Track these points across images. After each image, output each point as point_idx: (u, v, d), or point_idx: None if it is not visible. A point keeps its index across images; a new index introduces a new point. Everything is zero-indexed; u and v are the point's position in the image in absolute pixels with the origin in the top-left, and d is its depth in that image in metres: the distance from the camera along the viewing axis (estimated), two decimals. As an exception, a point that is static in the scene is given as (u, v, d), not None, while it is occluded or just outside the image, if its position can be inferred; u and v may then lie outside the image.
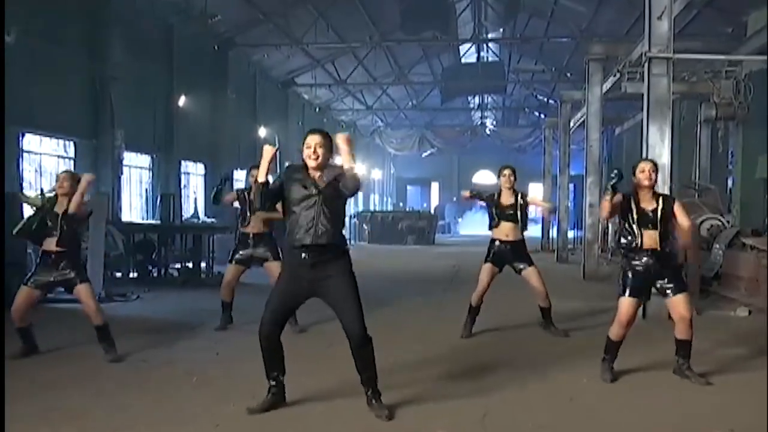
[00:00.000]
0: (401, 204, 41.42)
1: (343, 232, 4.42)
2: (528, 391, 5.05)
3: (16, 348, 5.93)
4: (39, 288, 5.89)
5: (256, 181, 4.41)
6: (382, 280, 12.24)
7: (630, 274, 5.18)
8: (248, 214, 7.27)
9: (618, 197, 5.24)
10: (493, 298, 7.35)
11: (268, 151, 4.44)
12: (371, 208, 36.85)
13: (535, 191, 25.38)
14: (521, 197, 7.00)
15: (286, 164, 4.67)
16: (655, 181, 5.28)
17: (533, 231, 26.22)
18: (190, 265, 12.28)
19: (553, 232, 20.52)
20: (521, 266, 6.99)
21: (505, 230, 6.94)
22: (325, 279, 4.32)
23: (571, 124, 18.50)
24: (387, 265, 15.75)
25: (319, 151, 4.33)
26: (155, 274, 12.11)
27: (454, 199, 38.89)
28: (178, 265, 12.50)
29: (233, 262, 7.36)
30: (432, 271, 14.44)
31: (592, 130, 13.56)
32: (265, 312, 4.41)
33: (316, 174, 4.36)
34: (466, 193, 7.33)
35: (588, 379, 5.38)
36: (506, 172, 7.01)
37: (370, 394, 4.44)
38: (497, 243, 6.99)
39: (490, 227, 7.08)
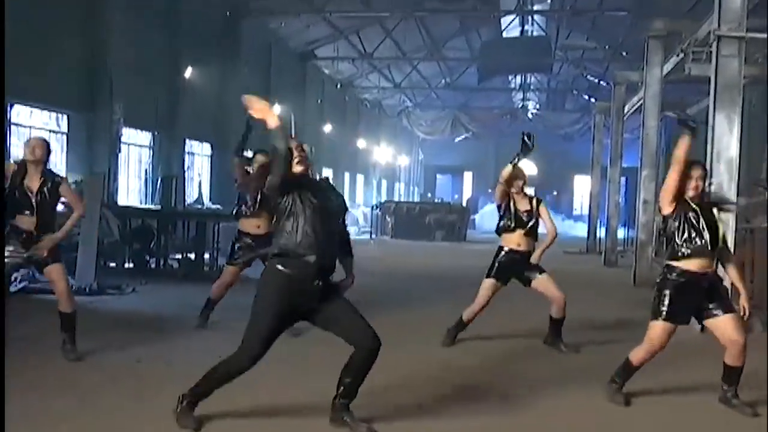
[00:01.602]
0: (429, 195, 41.44)
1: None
2: (530, 416, 4.97)
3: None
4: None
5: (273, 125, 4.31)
6: (406, 278, 12.21)
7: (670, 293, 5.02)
8: (250, 204, 7.17)
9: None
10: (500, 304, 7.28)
11: (256, 102, 4.53)
12: (396, 198, 36.89)
13: (582, 184, 25.16)
14: (536, 203, 6.90)
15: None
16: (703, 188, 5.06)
17: (577, 230, 25.89)
18: (192, 256, 12.36)
19: (601, 232, 20.38)
20: (532, 276, 6.86)
21: (518, 238, 6.86)
22: (321, 300, 4.28)
23: (626, 110, 18.32)
24: (409, 264, 15.73)
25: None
26: (153, 265, 12.20)
27: (489, 190, 38.71)
28: (178, 256, 12.58)
29: (234, 264, 7.26)
30: (462, 270, 14.38)
31: (650, 116, 13.42)
32: (251, 339, 4.23)
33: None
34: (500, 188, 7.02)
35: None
36: (519, 174, 6.84)
37: (347, 408, 4.38)
38: (507, 252, 6.90)
39: (500, 232, 6.98)
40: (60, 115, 13.88)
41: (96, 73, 14.24)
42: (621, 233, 19.06)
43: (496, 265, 6.89)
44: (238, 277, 7.37)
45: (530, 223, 6.83)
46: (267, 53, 22.80)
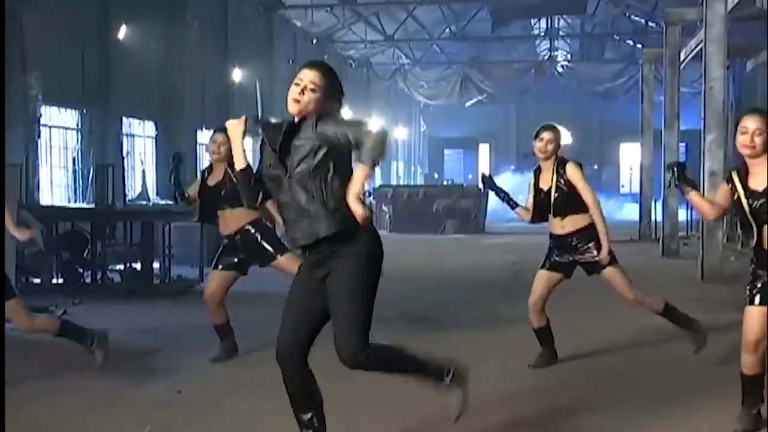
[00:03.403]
0: (436, 175, 41.41)
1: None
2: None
3: None
4: None
5: (232, 169, 4.44)
6: (409, 285, 12.21)
7: (762, 277, 5.09)
8: (217, 209, 7.27)
9: (723, 187, 5.21)
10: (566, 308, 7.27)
11: (234, 127, 4.45)
12: (393, 181, 36.84)
13: (629, 154, 25.14)
14: (557, 170, 6.73)
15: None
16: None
17: (626, 212, 26.01)
18: (138, 266, 12.33)
19: (657, 214, 20.37)
20: (595, 263, 6.79)
21: (557, 221, 6.82)
22: (329, 276, 4.34)
23: (682, 57, 18.27)
24: (415, 264, 15.71)
25: (310, 95, 4.28)
26: (88, 280, 12.19)
27: (512, 167, 38.76)
28: (120, 267, 12.56)
29: (218, 267, 7.34)
30: (482, 272, 14.41)
31: (713, 64, 13.36)
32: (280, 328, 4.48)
33: (303, 128, 4.30)
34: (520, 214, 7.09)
35: (710, 426, 5.32)
36: (544, 135, 6.76)
37: None
38: (554, 240, 6.89)
39: (533, 222, 7.05)
40: (-39, 93, 13.85)
41: (5, 37, 14.16)
42: (682, 215, 19.04)
43: (548, 253, 6.94)
44: (227, 284, 7.41)
45: (556, 202, 6.73)
46: (222, 4, 22.71)
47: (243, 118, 4.44)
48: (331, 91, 4.33)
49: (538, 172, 6.90)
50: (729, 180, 5.20)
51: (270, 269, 7.35)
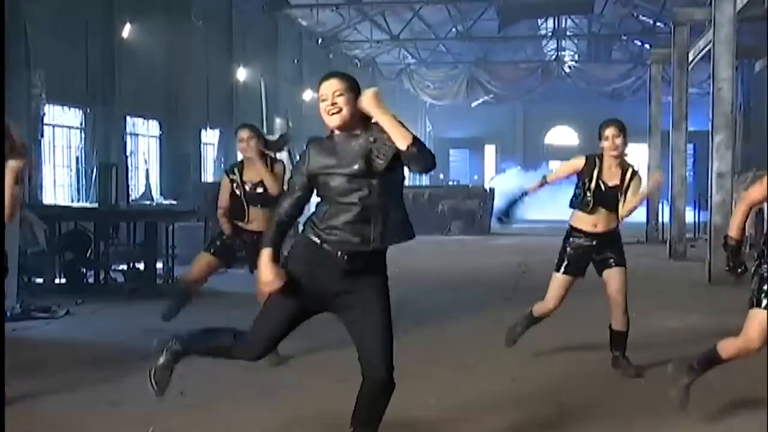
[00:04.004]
0: (441, 176, 41.36)
1: None
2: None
3: None
4: None
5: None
6: (415, 287, 12.20)
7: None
8: (246, 207, 7.40)
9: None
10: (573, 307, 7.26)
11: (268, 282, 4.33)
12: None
13: (637, 155, 25.18)
14: (631, 175, 6.67)
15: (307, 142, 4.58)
16: None
17: (633, 214, 25.87)
18: (141, 266, 12.32)
19: (664, 215, 20.33)
20: (606, 263, 6.79)
21: (596, 218, 6.77)
22: (355, 289, 4.28)
23: (690, 57, 18.24)
24: (421, 265, 15.70)
25: (340, 100, 4.24)
26: (91, 280, 12.18)
27: (518, 168, 38.74)
28: (123, 267, 12.55)
29: (210, 251, 7.56)
30: (488, 274, 14.41)
31: (722, 65, 13.35)
32: (254, 331, 4.42)
33: (354, 139, 4.26)
34: (534, 185, 7.02)
35: (720, 428, 5.32)
36: (609, 132, 6.66)
37: None
38: (578, 237, 6.82)
39: (574, 206, 6.85)
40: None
41: (8, 35, 14.18)
42: (690, 216, 19.00)
43: (567, 254, 6.82)
44: (212, 268, 7.70)
45: (618, 200, 6.68)
46: (227, 2, 22.72)
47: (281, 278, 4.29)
48: (356, 90, 4.29)
49: (601, 162, 6.73)
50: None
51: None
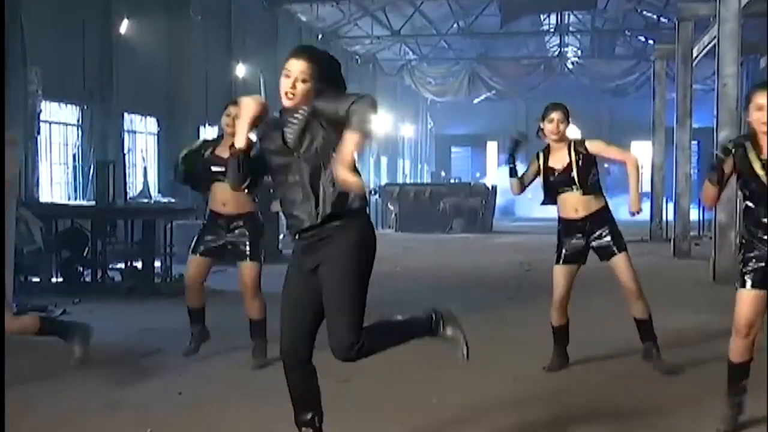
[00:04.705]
0: (443, 174, 41.37)
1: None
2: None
3: None
4: None
5: (231, 146, 4.38)
6: (415, 286, 12.20)
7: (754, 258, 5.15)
8: (216, 180, 7.01)
9: (728, 164, 5.24)
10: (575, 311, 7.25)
11: (248, 105, 4.35)
12: (399, 179, 36.84)
13: (641, 152, 25.21)
14: (576, 149, 6.70)
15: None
16: None
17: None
18: (139, 264, 12.32)
19: (669, 213, 20.32)
20: (608, 246, 6.72)
21: (572, 203, 6.75)
22: (322, 263, 4.31)
23: (695, 53, 18.23)
24: (422, 264, 15.71)
25: (300, 87, 4.24)
26: (88, 279, 12.17)
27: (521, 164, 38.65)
28: (121, 266, 12.56)
29: (197, 253, 7.19)
30: (490, 272, 14.40)
31: (727, 61, 13.33)
32: (285, 332, 4.46)
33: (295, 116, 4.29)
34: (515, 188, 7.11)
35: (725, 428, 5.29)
36: (556, 115, 6.71)
37: None
38: (566, 226, 6.80)
39: (543, 203, 6.99)
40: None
41: (4, 30, 14.17)
42: (694, 214, 18.99)
43: (562, 245, 6.82)
44: (205, 269, 7.37)
45: (577, 178, 6.67)
46: (226, -2, 22.75)
47: (264, 100, 4.37)
48: (325, 77, 4.29)
49: (546, 153, 6.84)
50: (736, 150, 5.17)
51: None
